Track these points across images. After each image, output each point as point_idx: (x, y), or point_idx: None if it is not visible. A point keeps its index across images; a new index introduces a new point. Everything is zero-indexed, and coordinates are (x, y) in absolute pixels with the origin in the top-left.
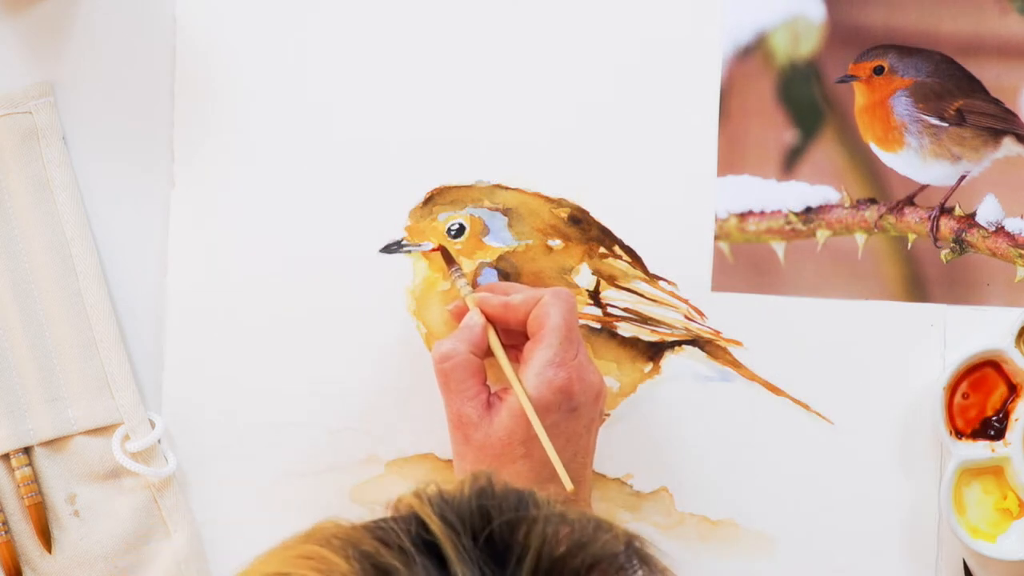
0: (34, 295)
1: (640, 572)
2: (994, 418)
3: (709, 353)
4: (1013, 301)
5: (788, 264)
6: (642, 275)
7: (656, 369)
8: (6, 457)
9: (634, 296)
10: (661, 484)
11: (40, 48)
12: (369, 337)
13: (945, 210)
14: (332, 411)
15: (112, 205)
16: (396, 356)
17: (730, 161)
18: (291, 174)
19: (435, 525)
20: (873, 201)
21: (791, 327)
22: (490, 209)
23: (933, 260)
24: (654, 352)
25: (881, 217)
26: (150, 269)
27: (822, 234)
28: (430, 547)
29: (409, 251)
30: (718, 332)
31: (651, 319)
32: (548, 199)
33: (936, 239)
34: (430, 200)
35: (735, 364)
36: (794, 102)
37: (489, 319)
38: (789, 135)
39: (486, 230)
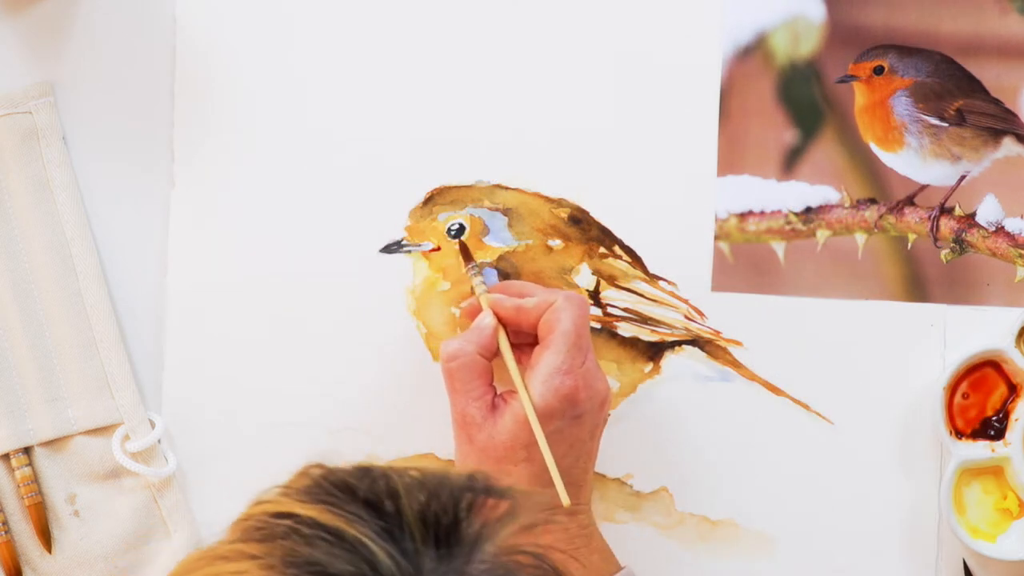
0: (34, 295)
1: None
2: (994, 418)
3: (709, 353)
4: (1013, 301)
5: (788, 264)
6: (642, 275)
7: (656, 369)
8: (6, 457)
9: (634, 296)
10: (661, 484)
11: (40, 48)
12: (369, 337)
13: (945, 210)
14: (332, 411)
15: (112, 205)
16: (396, 356)
17: (730, 161)
18: (291, 174)
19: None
20: (873, 201)
21: (791, 327)
22: (490, 209)
23: (933, 260)
24: (654, 352)
25: (881, 217)
26: (150, 269)
27: (822, 234)
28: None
29: (409, 251)
30: (718, 332)
31: (651, 319)
32: (548, 199)
33: (936, 239)
34: (430, 200)
35: (735, 364)
36: (794, 102)
37: (501, 321)
38: (789, 135)
39: (486, 230)
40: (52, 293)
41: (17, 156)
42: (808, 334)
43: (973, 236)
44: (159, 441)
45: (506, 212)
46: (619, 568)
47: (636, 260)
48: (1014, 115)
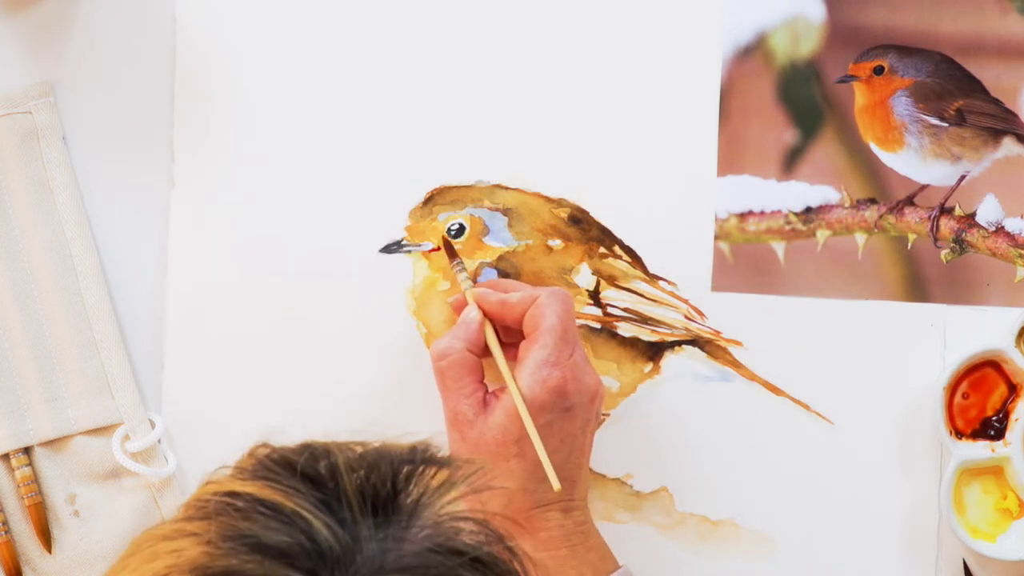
0: (34, 295)
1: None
2: (994, 418)
3: (709, 353)
4: (1013, 301)
5: (788, 264)
6: (642, 275)
7: (656, 369)
8: (6, 457)
9: (634, 296)
10: (661, 484)
11: (40, 48)
12: (369, 337)
13: (945, 210)
14: (332, 411)
15: (112, 205)
16: (396, 356)
17: (730, 161)
18: (291, 174)
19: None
20: (873, 201)
21: (791, 327)
22: (490, 209)
23: (933, 260)
24: (654, 352)
25: (881, 217)
26: (150, 269)
27: (822, 234)
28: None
29: (409, 251)
30: (718, 332)
31: (651, 319)
32: (548, 199)
33: (936, 239)
34: (430, 200)
35: (735, 364)
36: (794, 102)
37: (487, 315)
38: (789, 135)
39: (486, 230)
40: (52, 293)
41: (17, 156)
42: (808, 334)
43: (973, 236)
44: (159, 441)
45: (506, 212)
46: (617, 567)
47: (636, 260)
48: (1014, 115)
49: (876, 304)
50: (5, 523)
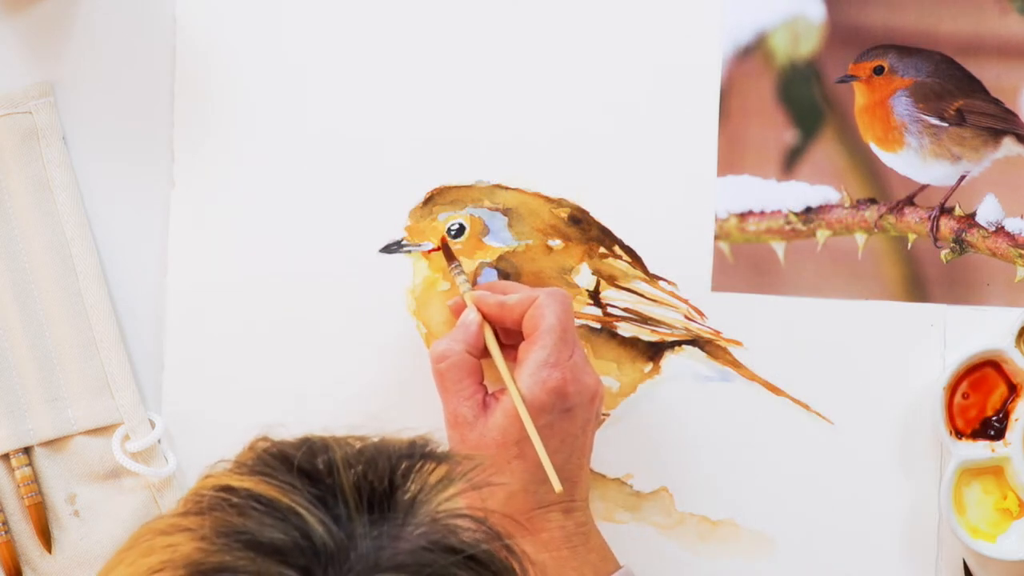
0: (34, 295)
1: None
2: (994, 418)
3: (709, 353)
4: (1013, 301)
5: (788, 264)
6: (642, 275)
7: (656, 369)
8: (6, 457)
9: (634, 296)
10: (661, 484)
11: (40, 48)
12: (369, 337)
13: (945, 210)
14: (332, 411)
15: (112, 205)
16: (396, 356)
17: (730, 161)
18: (291, 174)
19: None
20: (873, 201)
21: (791, 327)
22: (490, 209)
23: (933, 260)
24: (654, 352)
25: (881, 217)
26: (150, 269)
27: (822, 234)
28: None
29: (409, 251)
30: (718, 332)
31: (651, 319)
32: (548, 199)
33: (936, 239)
34: (430, 200)
35: (735, 364)
36: (794, 102)
37: (486, 317)
38: (789, 135)
39: (486, 230)
40: (52, 293)
41: (17, 156)
42: (808, 334)
43: (973, 236)
44: (159, 441)
45: (506, 212)
46: (618, 567)
47: (636, 260)
48: (1014, 115)
49: (876, 304)
50: (5, 523)
